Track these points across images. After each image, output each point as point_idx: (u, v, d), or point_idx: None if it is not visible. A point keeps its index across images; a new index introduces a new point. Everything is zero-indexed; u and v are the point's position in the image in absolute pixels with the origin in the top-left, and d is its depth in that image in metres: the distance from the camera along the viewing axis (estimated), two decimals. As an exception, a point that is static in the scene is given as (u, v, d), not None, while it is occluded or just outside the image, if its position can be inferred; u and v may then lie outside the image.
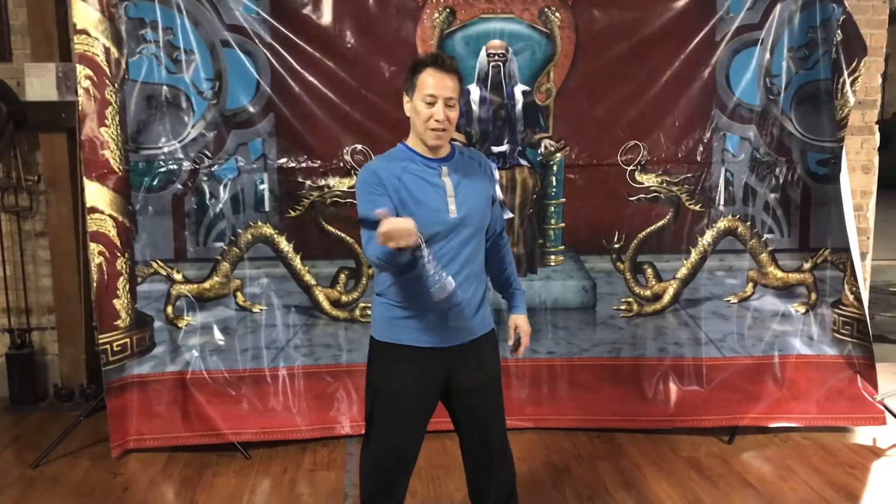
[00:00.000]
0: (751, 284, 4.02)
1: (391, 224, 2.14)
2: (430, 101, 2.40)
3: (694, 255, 3.98)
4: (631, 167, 3.88)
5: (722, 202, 3.95)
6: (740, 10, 3.79)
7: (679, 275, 4.00)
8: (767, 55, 3.84)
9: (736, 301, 4.03)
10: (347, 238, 3.85)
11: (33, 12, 4.19)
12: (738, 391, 3.97)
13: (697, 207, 3.94)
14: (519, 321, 2.72)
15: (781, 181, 3.95)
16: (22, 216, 4.37)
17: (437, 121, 2.40)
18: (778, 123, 3.90)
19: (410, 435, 2.59)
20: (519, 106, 3.86)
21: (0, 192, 4.30)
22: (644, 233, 3.95)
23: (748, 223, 3.97)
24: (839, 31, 3.69)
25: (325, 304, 3.93)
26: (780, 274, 4.01)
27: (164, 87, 3.71)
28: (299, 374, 3.91)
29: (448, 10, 3.76)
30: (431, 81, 2.40)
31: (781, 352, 4.01)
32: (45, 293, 4.48)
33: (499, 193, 3.81)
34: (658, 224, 3.95)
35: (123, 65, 3.64)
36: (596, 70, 3.82)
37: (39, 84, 4.18)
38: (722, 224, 3.97)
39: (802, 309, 4.02)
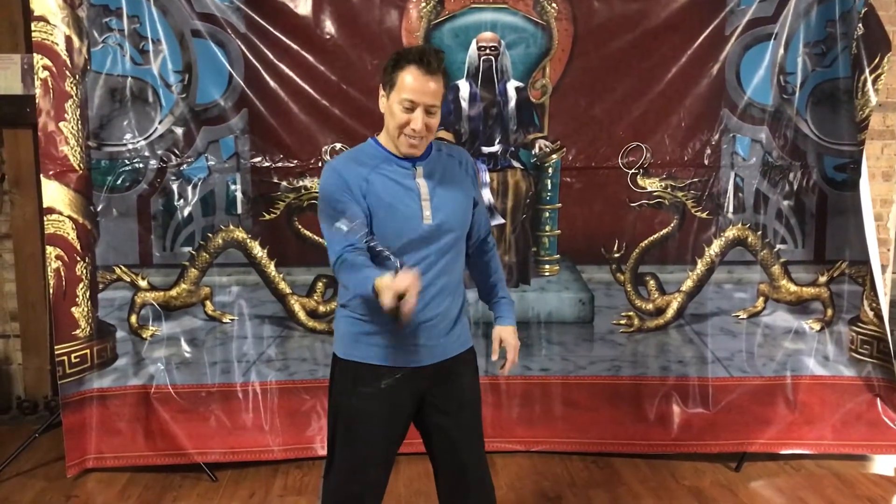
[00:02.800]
0: (761, 299, 3.77)
1: (411, 285, 1.93)
2: (408, 105, 2.15)
3: (700, 267, 3.73)
4: (632, 170, 3.64)
5: (731, 209, 3.71)
6: (752, 3, 3.54)
7: (684, 287, 3.75)
8: (781, 51, 3.58)
9: (745, 316, 3.78)
10: (325, 243, 3.58)
11: (-2, 1, 3.97)
12: (747, 414, 3.72)
13: (704, 215, 3.69)
14: (505, 334, 2.45)
15: (795, 187, 3.69)
16: (-15, 217, 4.14)
17: (413, 129, 2.16)
18: (792, 125, 3.64)
19: (377, 463, 2.34)
20: (512, 103, 3.61)
21: (-39, 191, 4.08)
22: (646, 241, 3.71)
23: (759, 232, 3.72)
24: (860, 25, 3.43)
25: (301, 315, 3.68)
26: (793, 288, 3.75)
27: (130, 80, 3.47)
28: (272, 389, 3.67)
29: (436, -1, 3.52)
30: (412, 84, 2.13)
31: (794, 372, 3.75)
32: (9, 299, 4.25)
33: (488, 197, 3.59)
34: (661, 232, 3.71)
35: (85, 55, 3.41)
36: (595, 65, 3.58)
37: (3, 77, 3.96)
38: (731, 233, 3.71)
39: (817, 326, 3.77)
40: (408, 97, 2.13)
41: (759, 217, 3.72)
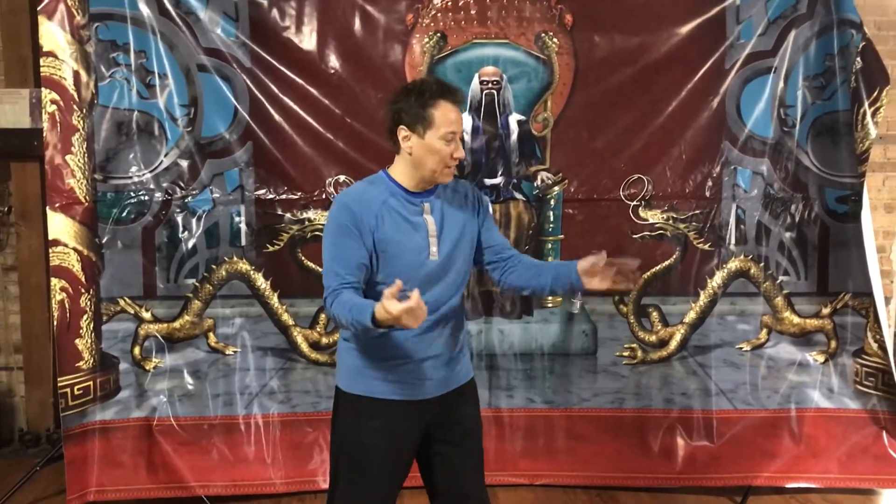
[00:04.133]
0: (765, 331, 3.75)
1: (416, 308, 1.94)
2: (451, 138, 2.20)
3: (703, 298, 3.72)
4: (634, 202, 3.64)
5: (733, 241, 3.70)
6: (752, 36, 3.57)
7: (687, 319, 3.73)
8: (781, 84, 3.61)
9: (749, 349, 3.75)
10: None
11: (7, 37, 4.04)
12: (752, 447, 3.68)
13: (706, 246, 3.69)
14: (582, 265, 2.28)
15: (797, 219, 3.69)
16: (-8, 249, 4.17)
17: (456, 158, 2.22)
18: (793, 157, 3.65)
19: (381, 497, 2.34)
20: (514, 136, 3.64)
21: (-32, 223, 4.11)
22: (649, 273, 3.69)
23: (762, 264, 3.71)
24: (858, 59, 3.45)
25: (304, 347, 3.67)
26: (796, 319, 3.74)
27: (136, 113, 3.51)
28: (275, 422, 3.65)
29: (439, 34, 3.55)
30: (451, 116, 2.19)
31: (799, 405, 3.72)
32: (14, 331, 4.25)
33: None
34: (664, 264, 3.70)
35: (93, 89, 3.44)
36: (596, 99, 3.61)
37: (12, 111, 4.00)
38: (733, 265, 3.71)
39: (821, 358, 3.74)
40: (450, 130, 2.19)
41: (762, 249, 3.71)
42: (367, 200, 2.23)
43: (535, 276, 2.38)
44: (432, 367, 2.28)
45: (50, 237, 3.41)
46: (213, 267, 3.61)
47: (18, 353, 4.25)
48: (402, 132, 2.22)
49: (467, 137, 3.61)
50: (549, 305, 3.74)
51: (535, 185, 3.66)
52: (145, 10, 3.44)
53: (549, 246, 3.70)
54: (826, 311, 3.73)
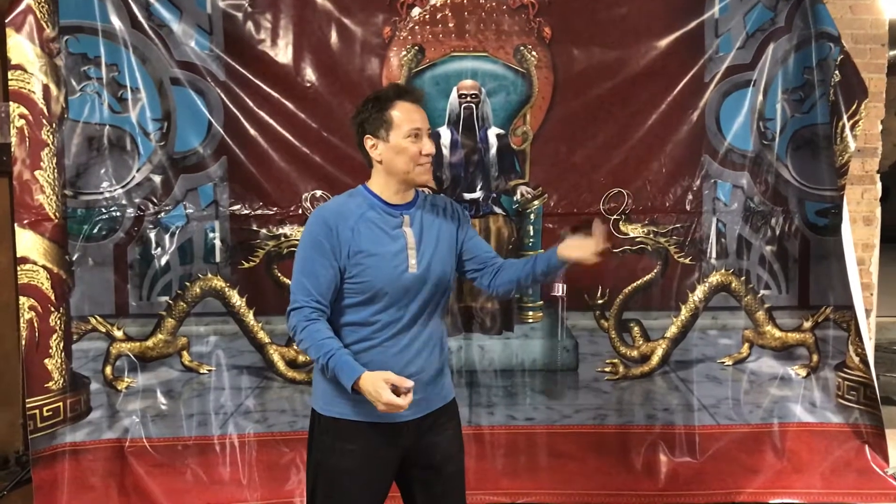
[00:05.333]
0: (746, 345, 3.72)
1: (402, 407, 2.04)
2: (416, 133, 2.18)
3: (684, 313, 3.69)
4: (614, 216, 3.61)
5: (714, 255, 3.68)
6: (730, 50, 3.56)
7: (668, 334, 3.70)
8: (760, 97, 3.60)
9: (730, 363, 3.73)
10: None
11: (-24, 49, 3.95)
12: (735, 463, 3.65)
13: (687, 260, 3.67)
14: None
15: (778, 232, 3.68)
16: (-42, 267, 4.06)
17: (427, 154, 2.20)
18: (773, 170, 3.64)
19: None
20: (493, 150, 3.60)
21: (-66, 240, 4.00)
22: (630, 288, 3.67)
23: (742, 278, 3.69)
24: (837, 72, 3.45)
25: (280, 365, 3.60)
26: (778, 333, 3.72)
27: (108, 128, 3.46)
28: (250, 442, 3.57)
29: (416, 47, 3.52)
30: (410, 114, 2.19)
31: (781, 419, 3.69)
32: (-18, 350, 4.14)
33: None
34: (645, 278, 3.67)
35: (63, 103, 3.38)
36: (576, 112, 3.59)
37: (-20, 125, 3.91)
38: (714, 279, 3.68)
39: (803, 372, 3.72)
40: (413, 126, 2.18)
41: (743, 262, 3.69)
42: (344, 214, 2.20)
43: (520, 267, 2.37)
44: (415, 388, 2.21)
45: (18, 254, 3.34)
46: (187, 284, 3.55)
47: (-13, 373, 4.14)
48: (369, 141, 2.22)
49: (446, 151, 3.57)
50: (530, 321, 3.70)
51: (515, 199, 3.62)
52: (117, 23, 3.39)
53: (530, 261, 3.66)
54: (807, 324, 3.71)
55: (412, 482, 2.33)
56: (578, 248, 2.27)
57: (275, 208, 3.53)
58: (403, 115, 2.19)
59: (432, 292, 2.25)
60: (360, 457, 2.21)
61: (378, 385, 2.02)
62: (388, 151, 2.20)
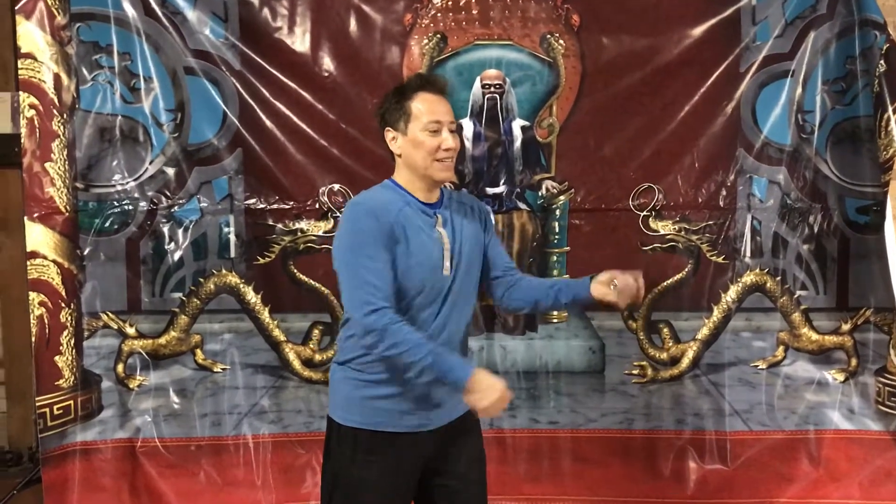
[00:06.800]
0: (781, 348, 3.58)
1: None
2: (434, 128, 2.06)
3: (716, 314, 3.55)
4: (644, 213, 3.48)
5: (748, 254, 3.53)
6: (768, 38, 3.40)
7: (699, 336, 3.56)
8: (799, 89, 3.44)
9: (765, 367, 3.58)
10: (323, 289, 3.43)
11: (-10, 39, 3.89)
12: (768, 471, 3.52)
13: (720, 259, 3.52)
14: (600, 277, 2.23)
15: (816, 230, 3.52)
16: (-30, 260, 4.01)
17: (446, 149, 2.08)
18: (811, 165, 3.48)
19: None
20: (517, 143, 3.47)
21: (-54, 232, 3.95)
22: (659, 287, 3.53)
23: (778, 278, 3.54)
24: (882, 62, 3.27)
25: (296, 364, 3.50)
26: (814, 336, 3.56)
27: (120, 118, 3.36)
28: (265, 443, 3.48)
29: (439, 35, 3.39)
30: (431, 105, 2.07)
31: (817, 426, 3.55)
32: (-5, 345, 4.10)
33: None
34: (675, 277, 3.53)
35: (74, 93, 3.29)
36: (604, 104, 3.45)
37: (-7, 115, 3.85)
38: (748, 278, 3.54)
39: (841, 377, 3.56)
40: (432, 119, 2.07)
41: (778, 262, 3.55)
42: (387, 206, 2.09)
43: (542, 290, 2.29)
44: (438, 394, 2.13)
45: (28, 249, 3.26)
46: (201, 280, 3.45)
47: (1, 368, 4.08)
48: (389, 134, 2.13)
49: (468, 144, 3.45)
50: (555, 321, 3.58)
51: (540, 194, 3.50)
52: (130, 10, 3.29)
53: (555, 258, 3.54)
54: (846, 327, 3.55)
55: (434, 491, 2.24)
56: (616, 294, 2.20)
57: (291, 202, 3.43)
58: (423, 106, 2.08)
59: (463, 294, 2.17)
60: (380, 468, 2.12)
61: (493, 378, 1.96)
62: (406, 145, 2.10)
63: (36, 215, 3.24)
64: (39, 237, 3.24)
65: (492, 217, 2.30)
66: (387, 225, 2.05)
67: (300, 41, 3.36)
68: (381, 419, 2.10)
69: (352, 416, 2.14)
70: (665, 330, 3.57)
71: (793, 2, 3.38)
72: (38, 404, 3.26)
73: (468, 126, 3.44)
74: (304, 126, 3.39)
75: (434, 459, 2.19)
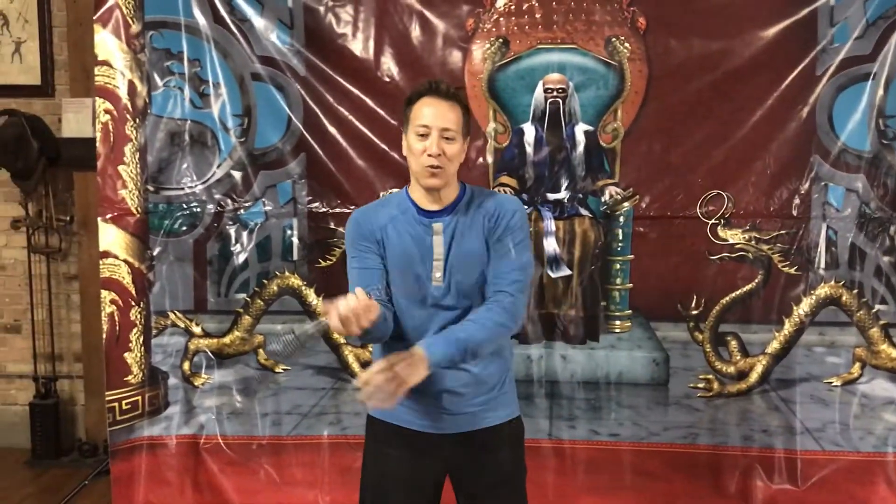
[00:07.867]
0: (858, 364, 3.40)
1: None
2: (422, 132, 2.02)
3: (788, 327, 3.40)
4: (713, 221, 3.37)
5: (823, 265, 3.38)
6: (847, 40, 3.24)
7: (769, 349, 3.42)
8: (881, 92, 3.27)
9: (839, 384, 3.41)
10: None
11: (73, 47, 4.09)
12: (841, 493, 3.35)
13: (792, 270, 3.38)
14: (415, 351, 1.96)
15: (896, 241, 3.34)
16: (54, 257, 4.18)
17: (429, 155, 2.00)
18: (893, 173, 3.31)
19: None
20: (580, 148, 3.40)
21: (31, 231, 4.12)
22: (728, 298, 3.41)
23: (855, 291, 3.36)
24: (972, 64, 3.09)
25: (356, 367, 3.50)
26: (894, 353, 3.37)
27: (189, 123, 3.45)
28: (324, 444, 3.51)
29: (501, 39, 3.36)
30: (426, 111, 2.03)
31: (897, 448, 3.36)
32: (76, 340, 4.26)
33: (554, 247, 3.37)
34: (745, 288, 3.40)
35: (146, 98, 3.40)
36: (672, 108, 3.35)
37: (76, 120, 4.02)
38: (822, 291, 3.38)
39: (924, 397, 3.36)
40: (420, 123, 2.03)
41: (855, 274, 3.37)
42: (376, 215, 2.13)
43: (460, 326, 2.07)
44: (451, 402, 2.11)
45: (101, 249, 3.38)
46: (265, 282, 3.52)
47: (79, 362, 4.25)
48: (403, 141, 2.13)
49: (529, 149, 3.40)
50: (617, 331, 3.48)
51: (603, 200, 3.42)
52: (200, 18, 3.38)
53: (618, 266, 3.45)
54: (929, 344, 3.35)
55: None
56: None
57: (352, 206, 3.40)
58: (418, 110, 2.05)
59: (459, 305, 2.10)
60: (401, 462, 2.15)
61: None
62: (406, 150, 2.11)
63: (109, 216, 3.35)
64: (111, 237, 3.36)
65: (512, 219, 2.12)
66: (367, 230, 2.09)
67: (363, 47, 3.39)
68: (397, 414, 2.11)
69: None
70: (733, 342, 3.44)
71: (875, 1, 3.22)
72: (107, 399, 3.39)
73: (529, 131, 3.39)
74: (366, 131, 3.41)
75: (457, 469, 2.18)
